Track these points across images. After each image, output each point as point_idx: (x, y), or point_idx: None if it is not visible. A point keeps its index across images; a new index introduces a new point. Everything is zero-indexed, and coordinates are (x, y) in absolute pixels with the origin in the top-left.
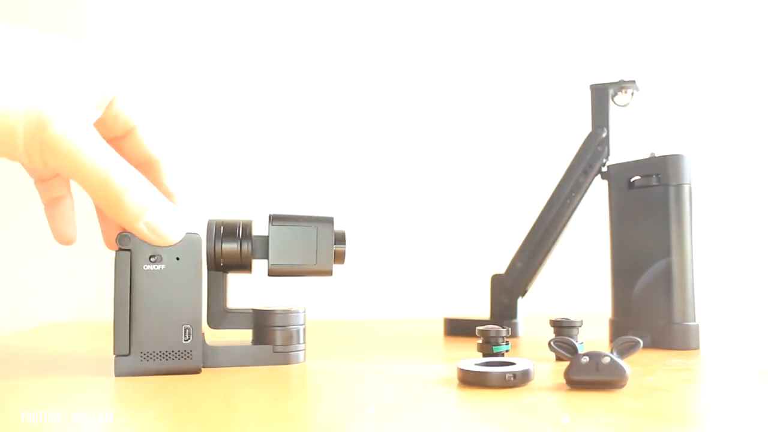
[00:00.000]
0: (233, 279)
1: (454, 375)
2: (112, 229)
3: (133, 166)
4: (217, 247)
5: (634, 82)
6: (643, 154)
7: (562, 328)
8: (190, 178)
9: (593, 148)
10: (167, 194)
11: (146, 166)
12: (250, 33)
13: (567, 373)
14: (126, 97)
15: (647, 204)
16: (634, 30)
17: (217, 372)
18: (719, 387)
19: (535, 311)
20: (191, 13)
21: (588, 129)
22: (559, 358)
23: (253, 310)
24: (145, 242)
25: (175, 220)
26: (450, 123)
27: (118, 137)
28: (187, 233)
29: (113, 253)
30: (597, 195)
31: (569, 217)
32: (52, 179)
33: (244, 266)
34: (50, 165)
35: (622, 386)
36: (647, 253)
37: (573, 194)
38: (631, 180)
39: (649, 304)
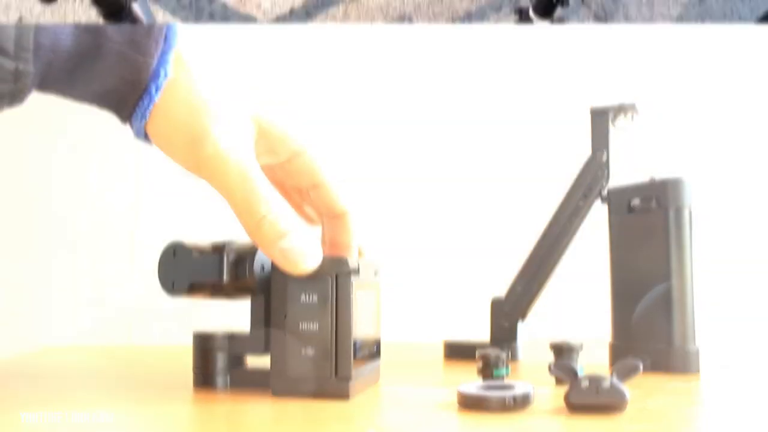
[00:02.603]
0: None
1: (454, 399)
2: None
3: (321, 217)
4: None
5: (634, 105)
6: (643, 178)
7: (562, 351)
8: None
9: (593, 171)
10: (346, 247)
11: (334, 220)
12: (252, 35)
13: (567, 397)
14: (310, 156)
15: (647, 228)
16: (634, 53)
17: None
18: (719, 411)
19: (535, 335)
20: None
21: (588, 152)
22: (559, 382)
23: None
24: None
25: (310, 250)
26: (448, 145)
27: (302, 188)
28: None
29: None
30: (597, 219)
31: (569, 241)
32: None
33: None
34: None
35: (622, 410)
36: (647, 277)
37: (572, 218)
38: (631, 204)
39: (649, 327)
